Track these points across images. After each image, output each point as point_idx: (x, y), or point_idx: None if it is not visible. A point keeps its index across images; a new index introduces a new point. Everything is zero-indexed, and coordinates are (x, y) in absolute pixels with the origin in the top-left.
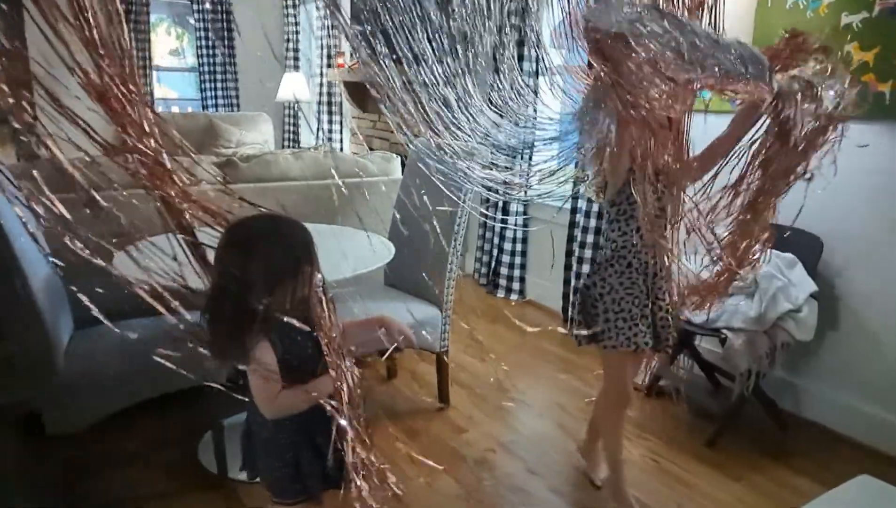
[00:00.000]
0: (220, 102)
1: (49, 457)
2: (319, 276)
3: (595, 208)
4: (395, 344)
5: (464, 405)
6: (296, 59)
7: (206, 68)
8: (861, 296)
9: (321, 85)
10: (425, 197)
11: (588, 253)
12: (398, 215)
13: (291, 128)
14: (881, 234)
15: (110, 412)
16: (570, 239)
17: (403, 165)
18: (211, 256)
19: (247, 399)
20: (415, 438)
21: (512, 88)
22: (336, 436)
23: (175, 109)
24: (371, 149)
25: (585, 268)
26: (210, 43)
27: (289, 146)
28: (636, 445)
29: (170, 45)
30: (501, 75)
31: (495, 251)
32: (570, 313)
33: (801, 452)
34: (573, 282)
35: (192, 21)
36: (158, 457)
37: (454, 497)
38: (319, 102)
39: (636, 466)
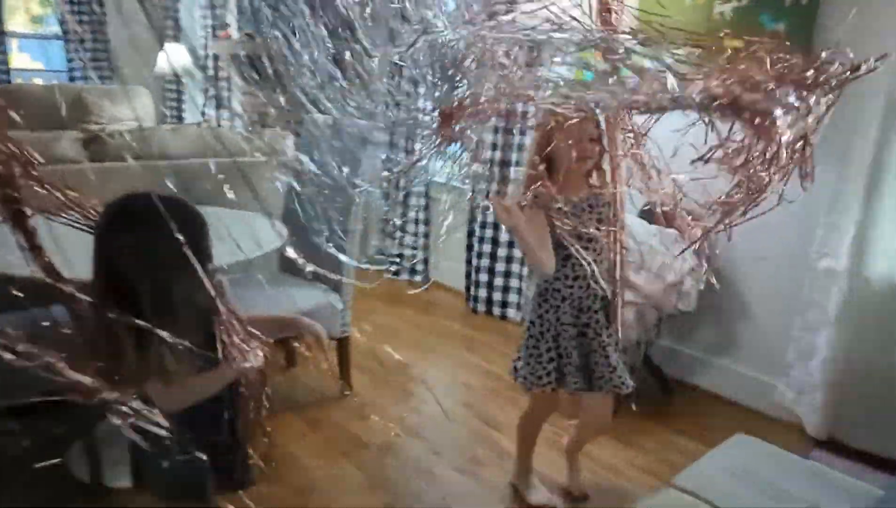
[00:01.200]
0: (92, 74)
1: None
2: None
3: (494, 188)
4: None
5: (366, 390)
6: (177, 28)
7: (73, 37)
8: (736, 268)
9: (206, 58)
10: (323, 178)
11: (489, 232)
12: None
13: (174, 103)
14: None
15: None
16: (471, 219)
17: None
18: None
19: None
20: (316, 428)
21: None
22: (236, 434)
23: (38, 81)
24: (264, 126)
25: (486, 248)
26: (77, 9)
27: (171, 123)
28: None
29: (32, 10)
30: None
31: (397, 233)
32: (471, 291)
33: (685, 414)
34: (475, 262)
35: None
36: (22, 471)
37: (357, 485)
38: (205, 76)
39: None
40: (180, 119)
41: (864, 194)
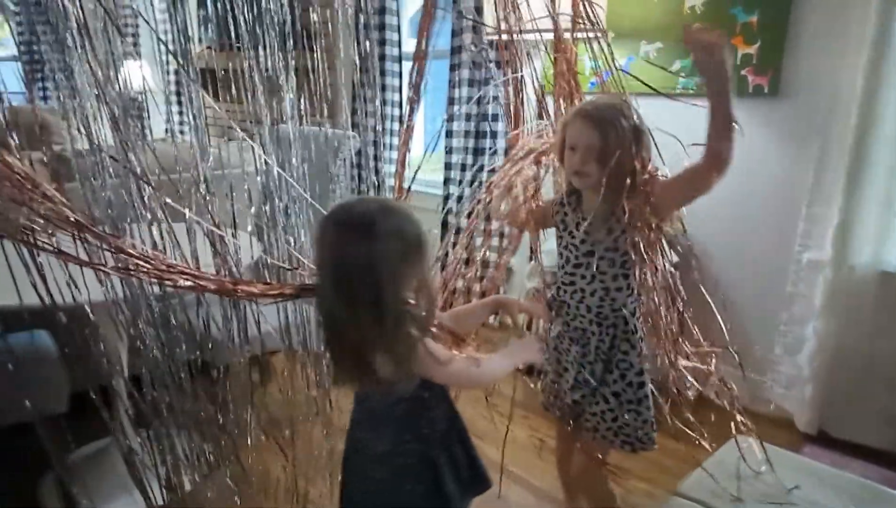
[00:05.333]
0: (51, 94)
1: None
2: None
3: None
4: None
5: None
6: (136, 45)
7: (30, 58)
8: (719, 266)
9: (167, 73)
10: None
11: None
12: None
13: (137, 119)
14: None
15: None
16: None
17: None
18: None
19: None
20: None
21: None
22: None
23: None
24: (229, 139)
25: None
26: (32, 29)
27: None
28: (521, 426)
29: None
30: None
31: None
32: None
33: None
34: None
35: (10, 4)
36: None
37: None
38: (166, 91)
39: (523, 447)
40: (144, 135)
41: (846, 181)
